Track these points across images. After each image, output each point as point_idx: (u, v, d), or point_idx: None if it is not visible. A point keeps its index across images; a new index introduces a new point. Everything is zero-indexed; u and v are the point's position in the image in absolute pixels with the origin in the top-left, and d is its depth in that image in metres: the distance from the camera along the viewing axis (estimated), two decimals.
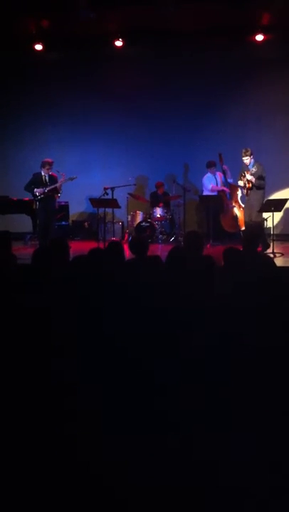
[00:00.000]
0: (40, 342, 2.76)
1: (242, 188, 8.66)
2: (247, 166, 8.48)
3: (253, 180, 8.37)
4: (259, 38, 10.29)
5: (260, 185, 8.43)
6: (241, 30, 10.17)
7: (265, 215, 8.73)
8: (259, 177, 8.39)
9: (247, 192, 8.55)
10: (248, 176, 8.41)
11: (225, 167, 9.90)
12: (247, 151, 8.46)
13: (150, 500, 2.15)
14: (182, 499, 2.16)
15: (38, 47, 10.73)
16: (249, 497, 2.17)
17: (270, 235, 8.68)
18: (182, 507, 2.16)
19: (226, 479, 2.22)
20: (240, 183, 8.61)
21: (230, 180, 9.90)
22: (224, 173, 9.92)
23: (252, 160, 8.48)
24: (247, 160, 8.46)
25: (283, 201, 8.50)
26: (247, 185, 8.47)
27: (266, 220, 8.91)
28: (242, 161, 8.51)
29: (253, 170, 8.39)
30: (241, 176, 8.56)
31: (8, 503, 2.16)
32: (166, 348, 2.70)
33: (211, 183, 10.20)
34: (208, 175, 10.22)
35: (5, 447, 2.35)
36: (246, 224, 8.70)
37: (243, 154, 8.46)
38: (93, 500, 2.17)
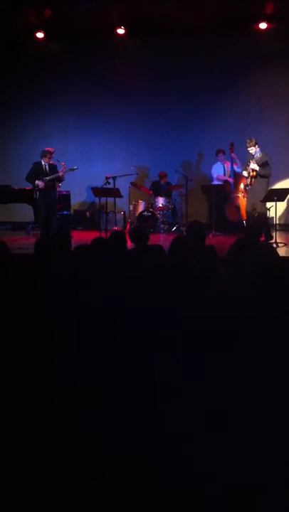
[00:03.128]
0: (41, 335, 2.75)
1: (246, 177, 8.59)
2: (252, 155, 8.42)
3: (257, 168, 8.31)
4: (262, 26, 10.21)
5: (265, 173, 8.34)
6: (244, 20, 10.09)
7: (268, 204, 8.68)
8: (264, 163, 8.30)
9: (251, 181, 8.46)
10: (252, 165, 8.34)
11: (233, 155, 9.84)
12: (251, 141, 8.38)
13: (150, 500, 2.16)
14: (182, 498, 2.17)
15: (40, 35, 10.70)
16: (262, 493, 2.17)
17: (273, 225, 8.66)
18: (182, 507, 2.17)
19: (227, 476, 2.22)
20: (245, 173, 8.55)
21: (237, 170, 9.85)
22: (232, 161, 9.88)
23: (257, 149, 8.41)
24: (252, 150, 8.38)
25: (286, 190, 8.46)
26: (251, 173, 8.41)
27: (269, 209, 8.87)
28: (247, 151, 8.45)
29: (258, 156, 8.33)
30: (246, 166, 8.52)
31: (8, 501, 2.16)
32: (167, 342, 2.70)
33: (217, 172, 10.19)
34: (218, 163, 10.21)
35: (4, 445, 2.35)
36: (249, 214, 8.66)
37: (248, 144, 8.38)
38: (93, 499, 2.18)
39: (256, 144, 8.39)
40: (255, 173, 8.36)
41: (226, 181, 10.03)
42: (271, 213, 8.80)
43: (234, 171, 9.88)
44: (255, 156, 8.37)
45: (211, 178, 10.41)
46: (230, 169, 9.98)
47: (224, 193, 9.88)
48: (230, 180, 9.91)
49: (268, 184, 8.54)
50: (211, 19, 10.01)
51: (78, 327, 2.77)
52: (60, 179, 9.02)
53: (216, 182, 10.21)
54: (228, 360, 2.56)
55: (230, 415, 2.38)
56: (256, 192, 8.37)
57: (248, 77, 10.76)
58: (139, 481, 2.16)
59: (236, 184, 9.76)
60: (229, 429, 2.31)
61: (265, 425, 2.34)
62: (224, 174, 10.18)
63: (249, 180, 8.49)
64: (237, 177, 9.77)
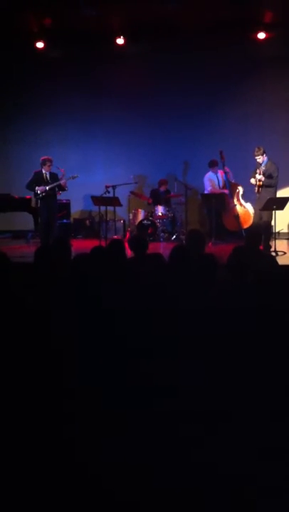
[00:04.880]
0: (40, 342, 2.75)
1: (253, 186, 8.64)
2: (260, 164, 8.46)
3: (263, 179, 8.37)
4: (261, 35, 10.25)
5: (270, 184, 8.40)
6: (243, 27, 10.13)
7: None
8: (269, 175, 8.37)
9: (258, 190, 8.52)
10: (258, 176, 8.41)
11: (227, 169, 9.89)
12: (259, 150, 8.44)
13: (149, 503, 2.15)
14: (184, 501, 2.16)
15: (40, 45, 10.71)
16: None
17: (272, 233, 8.66)
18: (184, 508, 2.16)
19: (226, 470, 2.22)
20: (252, 181, 8.59)
21: (232, 181, 9.90)
22: (226, 172, 9.91)
23: (265, 158, 8.46)
24: (260, 159, 8.44)
25: (286, 199, 8.48)
26: (258, 183, 8.46)
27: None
28: (255, 159, 8.49)
29: (263, 168, 8.39)
30: (254, 174, 8.56)
31: (9, 504, 2.15)
32: (167, 349, 2.70)
33: (210, 184, 10.18)
34: (210, 173, 10.20)
35: (5, 448, 2.34)
36: (255, 223, 8.68)
37: (256, 153, 8.44)
38: (92, 501, 2.17)
39: (264, 152, 8.44)
40: (261, 183, 8.42)
41: (222, 193, 10.04)
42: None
43: (229, 181, 9.90)
44: (262, 165, 8.42)
45: (203, 188, 10.39)
46: (224, 179, 10.00)
47: (223, 202, 9.89)
48: (226, 191, 9.92)
49: (275, 193, 8.58)
50: (212, 24, 10.02)
51: (78, 334, 2.77)
52: (62, 188, 9.03)
53: (207, 192, 10.19)
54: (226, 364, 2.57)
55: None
56: (263, 201, 8.38)
57: (249, 82, 10.78)
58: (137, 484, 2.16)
59: (233, 193, 9.79)
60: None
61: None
62: (218, 184, 10.18)
63: (256, 189, 8.55)
64: (232, 186, 9.81)
